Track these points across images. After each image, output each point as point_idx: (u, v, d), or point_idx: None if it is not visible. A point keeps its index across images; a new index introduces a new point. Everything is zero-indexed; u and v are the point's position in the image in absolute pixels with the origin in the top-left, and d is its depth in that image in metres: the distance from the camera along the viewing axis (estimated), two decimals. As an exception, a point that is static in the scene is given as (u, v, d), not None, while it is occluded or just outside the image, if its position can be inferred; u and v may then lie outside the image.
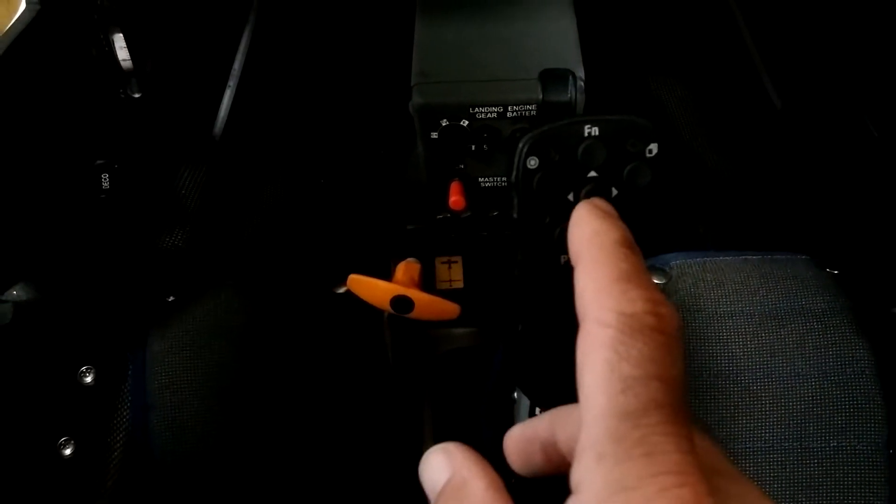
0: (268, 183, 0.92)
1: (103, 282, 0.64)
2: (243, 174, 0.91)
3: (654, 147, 0.35)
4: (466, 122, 0.59)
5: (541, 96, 0.39)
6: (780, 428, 0.60)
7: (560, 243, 0.36)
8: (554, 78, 0.38)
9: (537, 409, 0.50)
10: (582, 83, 0.58)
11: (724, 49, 1.00)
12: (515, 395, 0.58)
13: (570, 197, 0.36)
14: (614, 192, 0.36)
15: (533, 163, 0.35)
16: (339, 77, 1.03)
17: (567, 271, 0.38)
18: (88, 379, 0.61)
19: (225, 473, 0.63)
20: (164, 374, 0.64)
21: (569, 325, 0.41)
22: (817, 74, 0.84)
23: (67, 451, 0.58)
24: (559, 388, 0.46)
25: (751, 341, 0.62)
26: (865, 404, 0.59)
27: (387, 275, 0.66)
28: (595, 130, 0.34)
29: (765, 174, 0.91)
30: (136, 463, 0.64)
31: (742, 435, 0.60)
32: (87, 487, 0.61)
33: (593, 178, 0.35)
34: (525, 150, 0.34)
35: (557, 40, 0.61)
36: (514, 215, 0.36)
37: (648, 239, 0.38)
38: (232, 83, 0.93)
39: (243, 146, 0.92)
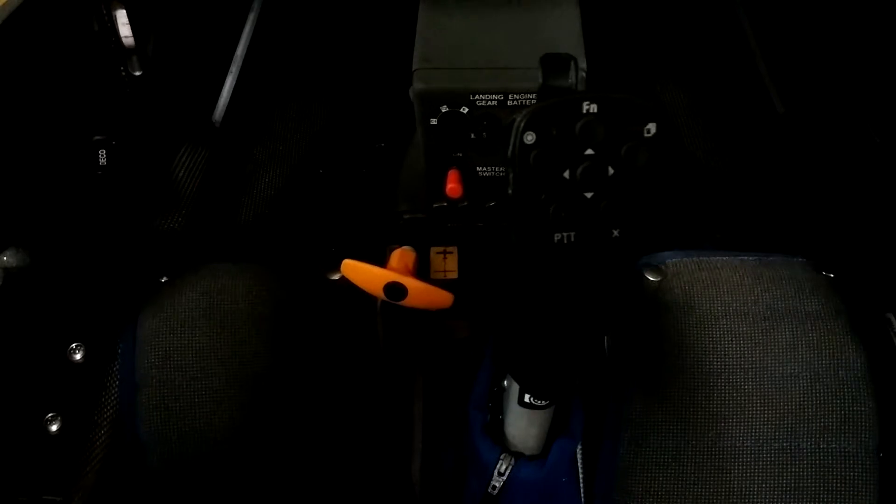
0: (266, 168, 0.92)
1: (96, 257, 0.64)
2: (242, 159, 0.91)
3: (652, 127, 0.35)
4: (466, 110, 0.59)
5: (540, 80, 0.39)
6: (771, 428, 0.59)
7: (555, 221, 0.36)
8: (555, 62, 0.38)
9: (527, 396, 0.50)
10: (583, 73, 0.57)
11: (728, 54, 1.00)
12: (505, 382, 0.57)
13: (566, 174, 0.35)
14: (611, 171, 0.36)
15: (530, 138, 0.34)
16: (342, 65, 1.03)
17: (561, 250, 0.38)
18: (78, 356, 0.61)
19: (210, 456, 0.63)
20: (153, 353, 0.64)
21: (560, 308, 0.41)
22: (820, 81, 0.84)
23: (54, 428, 0.58)
24: (549, 373, 0.46)
25: (743, 341, 0.62)
26: (857, 407, 0.59)
27: (381, 262, 0.65)
28: (594, 108, 0.34)
29: (765, 177, 0.91)
30: (122, 441, 0.63)
31: (732, 433, 0.60)
32: (72, 464, 0.60)
33: (590, 155, 0.35)
34: (522, 124, 0.34)
35: (561, 30, 0.61)
36: (510, 191, 0.36)
37: (645, 221, 0.38)
38: (234, 69, 0.93)
39: (243, 132, 0.92)
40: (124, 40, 0.66)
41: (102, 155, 0.64)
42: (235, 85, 0.92)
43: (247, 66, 0.94)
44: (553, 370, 0.45)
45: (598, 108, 0.34)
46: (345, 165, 0.97)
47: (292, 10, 1.04)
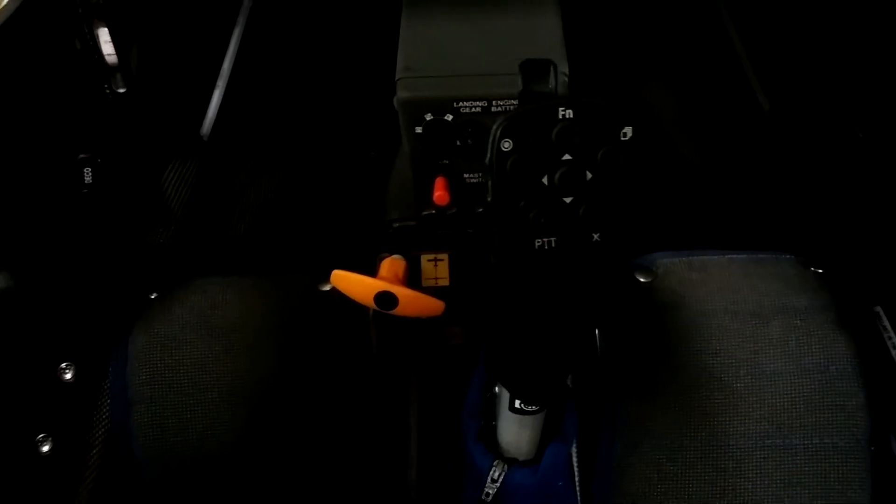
0: (255, 182, 0.92)
1: (84, 276, 0.64)
2: (231, 173, 0.91)
3: (628, 130, 0.35)
4: (451, 117, 0.59)
5: (521, 86, 0.39)
6: (764, 425, 0.60)
7: (535, 227, 0.36)
8: (535, 68, 0.38)
9: (517, 402, 0.50)
10: (565, 78, 0.57)
11: (713, 53, 1.01)
12: (497, 389, 0.57)
13: (545, 180, 0.35)
14: (589, 175, 0.36)
15: (507, 145, 0.34)
16: (328, 76, 1.03)
17: (542, 256, 0.38)
18: (68, 375, 0.61)
19: (205, 471, 0.63)
20: (145, 370, 0.64)
21: (544, 313, 0.41)
22: (805, 78, 0.85)
23: (45, 448, 0.57)
24: (536, 379, 0.46)
25: (734, 339, 0.62)
26: (847, 401, 0.59)
27: (372, 271, 0.65)
28: (569, 113, 0.34)
29: (752, 175, 0.91)
30: (115, 460, 0.63)
31: (725, 432, 0.60)
32: (65, 484, 0.60)
33: (568, 161, 0.35)
34: (499, 132, 0.34)
35: (542, 36, 0.61)
36: (489, 199, 0.36)
37: (625, 224, 0.38)
38: (221, 83, 0.93)
39: (231, 146, 0.92)
40: (107, 58, 0.66)
41: (88, 173, 0.64)
42: (222, 99, 0.92)
43: (234, 79, 0.94)
44: (540, 376, 0.45)
45: (574, 114, 0.34)
46: (334, 175, 0.97)
47: (278, 23, 1.04)
